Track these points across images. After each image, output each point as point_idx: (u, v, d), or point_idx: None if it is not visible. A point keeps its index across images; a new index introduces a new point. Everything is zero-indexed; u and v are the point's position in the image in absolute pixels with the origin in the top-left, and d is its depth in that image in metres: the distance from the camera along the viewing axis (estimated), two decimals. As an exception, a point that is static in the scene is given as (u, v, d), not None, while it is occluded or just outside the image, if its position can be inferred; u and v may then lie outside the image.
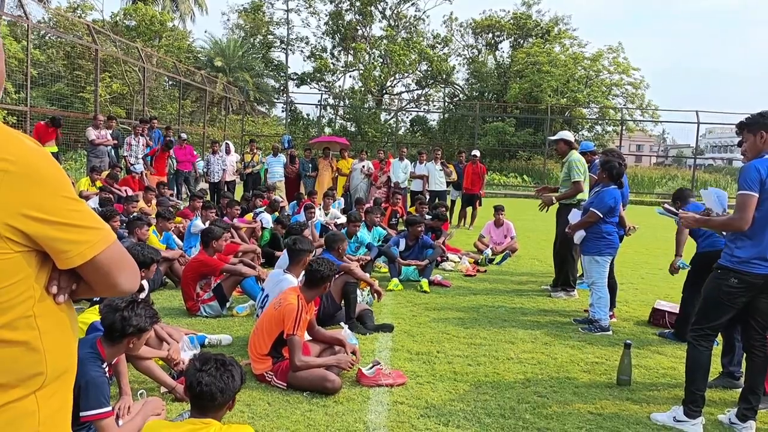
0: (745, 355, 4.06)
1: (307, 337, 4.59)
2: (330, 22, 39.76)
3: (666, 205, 4.56)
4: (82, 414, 2.84)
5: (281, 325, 4.15)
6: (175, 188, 13.86)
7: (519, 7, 39.22)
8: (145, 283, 4.79)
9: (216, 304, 5.98)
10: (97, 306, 3.87)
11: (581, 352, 5.30)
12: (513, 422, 3.80)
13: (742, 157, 3.80)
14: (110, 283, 1.35)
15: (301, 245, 5.19)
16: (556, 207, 7.45)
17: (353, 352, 4.54)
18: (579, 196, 7.13)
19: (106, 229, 1.34)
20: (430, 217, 9.82)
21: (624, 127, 31.24)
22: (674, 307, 6.31)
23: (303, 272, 5.14)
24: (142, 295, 4.33)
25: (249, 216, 10.25)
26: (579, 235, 6.12)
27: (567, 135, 7.51)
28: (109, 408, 2.93)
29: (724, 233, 4.02)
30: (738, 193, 3.57)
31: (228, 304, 6.17)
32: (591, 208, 5.96)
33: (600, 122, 35.56)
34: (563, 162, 7.43)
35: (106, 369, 3.06)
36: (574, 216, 6.29)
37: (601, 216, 5.85)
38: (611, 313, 6.22)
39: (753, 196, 3.51)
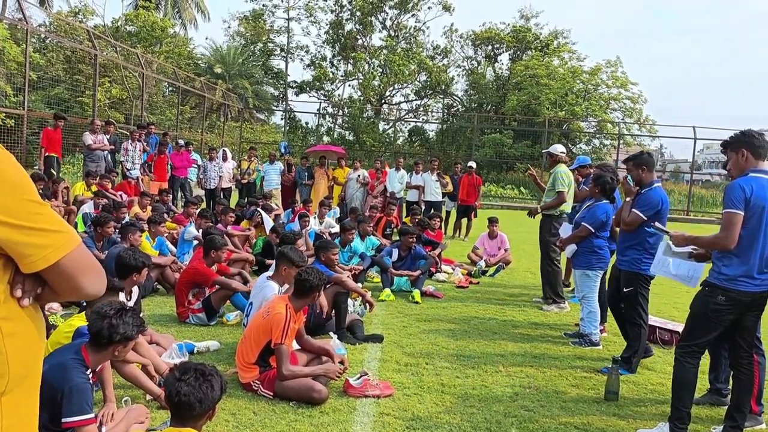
0: (732, 372, 4.07)
1: (295, 346, 4.59)
2: (330, 32, 39.91)
3: (656, 224, 4.59)
4: (64, 420, 2.83)
5: (269, 334, 4.14)
6: (171, 194, 13.85)
7: (518, 20, 39.48)
8: (135, 288, 4.78)
9: (203, 316, 5.96)
10: (84, 312, 3.85)
11: (570, 366, 5.30)
12: (499, 436, 3.80)
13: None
14: (74, 287, 1.33)
15: (291, 255, 5.18)
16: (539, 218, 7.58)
17: (341, 362, 4.53)
18: (561, 207, 7.22)
19: (70, 232, 1.31)
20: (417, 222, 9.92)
21: (621, 141, 31.35)
22: (665, 323, 6.31)
23: (286, 282, 5.14)
24: (131, 302, 4.33)
25: (245, 223, 10.26)
26: (570, 249, 6.14)
27: (555, 149, 7.59)
28: (92, 415, 2.92)
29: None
30: (723, 212, 3.59)
31: (218, 314, 6.15)
32: (583, 223, 5.98)
33: (598, 136, 35.66)
34: (549, 173, 7.51)
35: (90, 376, 3.06)
36: (565, 230, 6.31)
37: (593, 231, 5.86)
38: (602, 327, 6.22)
39: (738, 215, 3.53)
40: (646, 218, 4.92)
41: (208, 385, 2.43)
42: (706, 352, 4.30)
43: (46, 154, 11.55)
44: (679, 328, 5.97)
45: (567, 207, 7.34)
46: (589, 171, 7.70)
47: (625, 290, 5.16)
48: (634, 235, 5.08)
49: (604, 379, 4.69)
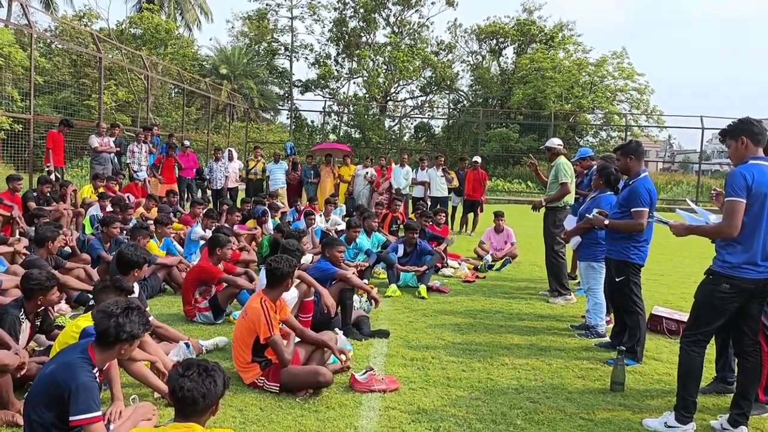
0: (737, 360, 4.06)
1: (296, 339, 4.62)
2: (334, 29, 39.90)
3: (656, 214, 4.60)
4: (71, 418, 2.87)
5: (253, 332, 4.20)
6: (178, 195, 13.91)
7: (521, 14, 39.34)
8: (135, 284, 4.82)
9: (210, 314, 6.00)
10: (90, 312, 3.90)
11: (576, 357, 5.30)
12: (504, 427, 3.81)
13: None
14: None
15: (295, 248, 5.22)
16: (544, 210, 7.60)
17: (342, 353, 4.57)
18: (565, 199, 7.23)
19: None
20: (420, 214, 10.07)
21: (629, 133, 31.18)
22: (672, 313, 6.29)
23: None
24: (135, 294, 4.37)
25: (251, 222, 10.31)
26: (575, 242, 6.14)
27: (552, 142, 7.60)
28: (99, 413, 2.95)
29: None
30: (726, 200, 3.59)
31: (225, 313, 6.19)
32: (587, 215, 5.96)
33: (605, 128, 35.48)
34: (551, 166, 7.49)
35: (97, 374, 3.09)
36: (570, 222, 6.30)
37: (597, 222, 5.84)
38: (608, 318, 6.21)
39: (741, 203, 3.53)
40: (648, 207, 4.95)
41: (211, 380, 2.46)
42: (713, 340, 4.29)
43: (47, 165, 11.52)
44: (686, 317, 5.94)
45: (570, 198, 7.34)
46: (590, 163, 7.69)
47: (616, 279, 5.18)
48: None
49: (609, 370, 4.69)
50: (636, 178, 5.11)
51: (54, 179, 10.82)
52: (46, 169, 11.36)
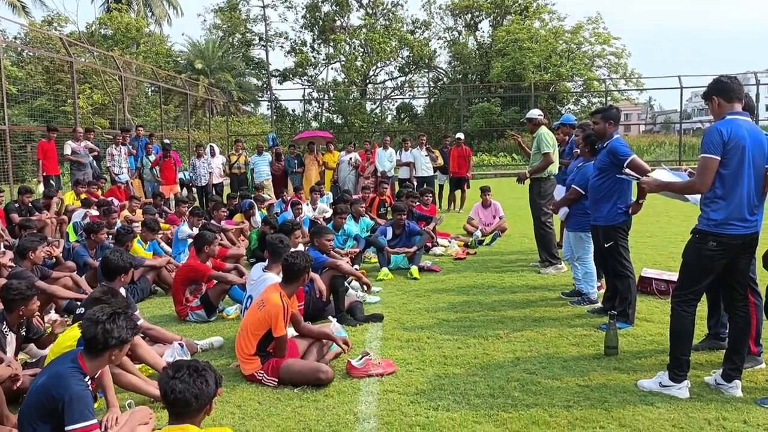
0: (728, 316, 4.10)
1: (294, 333, 4.62)
2: (307, 15, 39.44)
3: (627, 170, 4.62)
4: (67, 428, 2.85)
5: (266, 326, 4.17)
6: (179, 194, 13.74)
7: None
8: (122, 289, 4.78)
9: (203, 312, 5.98)
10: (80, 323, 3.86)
11: (570, 325, 5.34)
12: (502, 401, 3.83)
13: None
14: None
15: (285, 242, 5.19)
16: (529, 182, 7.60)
17: (345, 343, 4.58)
18: (549, 169, 7.23)
19: None
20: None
21: (609, 98, 31.20)
22: (661, 274, 6.34)
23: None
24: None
25: (238, 216, 10.25)
26: (563, 212, 6.15)
27: (532, 113, 7.62)
28: (95, 420, 2.93)
29: (692, 198, 4.09)
30: (700, 156, 3.62)
31: (218, 309, 6.17)
32: (573, 185, 5.97)
33: (585, 94, 35.47)
34: (533, 137, 7.47)
35: (89, 382, 3.07)
36: (559, 192, 6.31)
37: (583, 193, 5.83)
38: (599, 283, 6.25)
39: (714, 159, 3.56)
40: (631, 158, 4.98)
41: (203, 380, 2.44)
42: (704, 298, 4.33)
43: (45, 174, 11.33)
44: (675, 277, 5.98)
45: (554, 168, 7.35)
46: (570, 130, 7.70)
47: (605, 245, 5.21)
48: (602, 187, 5.16)
49: (603, 335, 4.72)
50: (609, 140, 5.15)
51: (51, 189, 10.65)
52: (35, 180, 11.19)
